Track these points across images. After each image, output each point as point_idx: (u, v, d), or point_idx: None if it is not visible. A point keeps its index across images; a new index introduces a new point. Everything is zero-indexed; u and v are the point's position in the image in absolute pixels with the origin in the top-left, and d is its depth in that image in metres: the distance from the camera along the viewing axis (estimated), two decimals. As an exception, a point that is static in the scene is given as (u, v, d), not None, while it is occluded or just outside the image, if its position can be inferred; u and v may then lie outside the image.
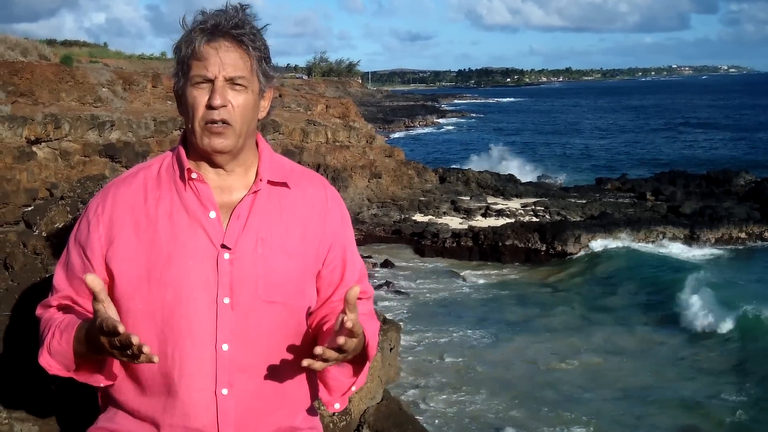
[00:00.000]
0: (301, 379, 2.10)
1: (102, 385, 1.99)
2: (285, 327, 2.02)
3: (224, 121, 1.96)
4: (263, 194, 2.05)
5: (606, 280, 21.19)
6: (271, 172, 2.09)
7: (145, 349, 1.74)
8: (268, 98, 2.10)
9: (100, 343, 1.79)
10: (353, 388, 2.11)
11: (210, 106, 1.95)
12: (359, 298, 2.12)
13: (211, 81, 1.95)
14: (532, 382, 13.99)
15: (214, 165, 2.04)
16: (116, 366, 1.98)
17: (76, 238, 2.07)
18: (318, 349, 1.81)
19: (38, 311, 2.11)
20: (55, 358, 1.95)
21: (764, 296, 17.86)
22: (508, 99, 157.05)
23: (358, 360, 2.04)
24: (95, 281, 1.75)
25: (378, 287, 20.13)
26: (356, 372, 2.09)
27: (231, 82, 1.96)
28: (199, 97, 1.96)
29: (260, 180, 2.05)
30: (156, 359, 1.78)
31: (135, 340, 1.72)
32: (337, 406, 2.14)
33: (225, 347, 1.94)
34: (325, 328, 2.05)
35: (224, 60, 1.94)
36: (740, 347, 15.60)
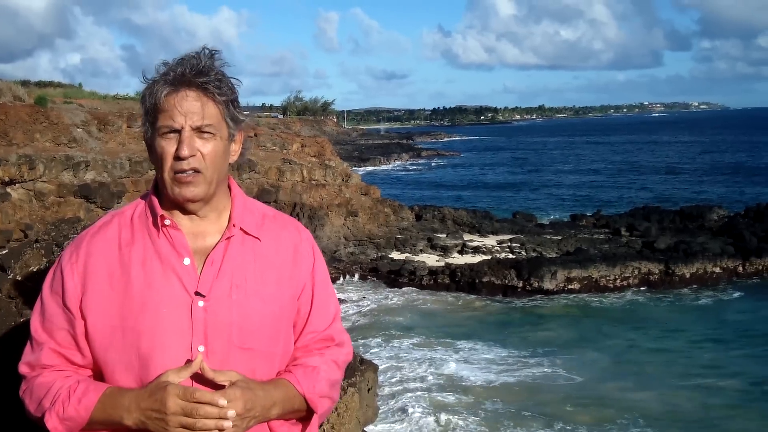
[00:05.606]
0: (281, 425, 2.06)
1: None
2: (261, 373, 2.00)
3: (195, 170, 1.94)
4: (237, 240, 2.03)
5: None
6: (244, 219, 2.07)
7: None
8: (238, 141, 2.08)
9: (153, 408, 1.82)
10: None
11: (178, 157, 1.93)
12: (327, 346, 2.14)
13: (178, 131, 1.93)
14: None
15: (186, 212, 2.02)
16: None
17: (53, 288, 2.02)
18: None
19: (25, 369, 2.04)
20: (64, 423, 1.91)
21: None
22: (480, 137, 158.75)
23: (306, 415, 2.05)
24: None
25: (353, 327, 20.04)
26: (304, 427, 2.08)
27: (198, 130, 1.94)
28: (167, 147, 1.94)
29: (233, 226, 2.04)
30: None
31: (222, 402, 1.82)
32: None
33: None
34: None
35: (189, 110, 1.92)
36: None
